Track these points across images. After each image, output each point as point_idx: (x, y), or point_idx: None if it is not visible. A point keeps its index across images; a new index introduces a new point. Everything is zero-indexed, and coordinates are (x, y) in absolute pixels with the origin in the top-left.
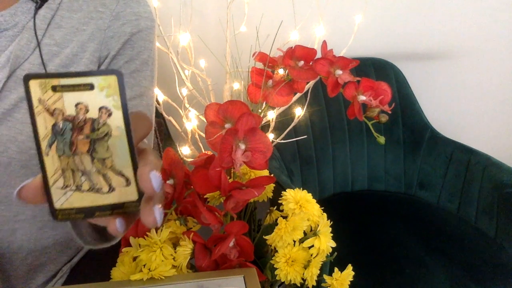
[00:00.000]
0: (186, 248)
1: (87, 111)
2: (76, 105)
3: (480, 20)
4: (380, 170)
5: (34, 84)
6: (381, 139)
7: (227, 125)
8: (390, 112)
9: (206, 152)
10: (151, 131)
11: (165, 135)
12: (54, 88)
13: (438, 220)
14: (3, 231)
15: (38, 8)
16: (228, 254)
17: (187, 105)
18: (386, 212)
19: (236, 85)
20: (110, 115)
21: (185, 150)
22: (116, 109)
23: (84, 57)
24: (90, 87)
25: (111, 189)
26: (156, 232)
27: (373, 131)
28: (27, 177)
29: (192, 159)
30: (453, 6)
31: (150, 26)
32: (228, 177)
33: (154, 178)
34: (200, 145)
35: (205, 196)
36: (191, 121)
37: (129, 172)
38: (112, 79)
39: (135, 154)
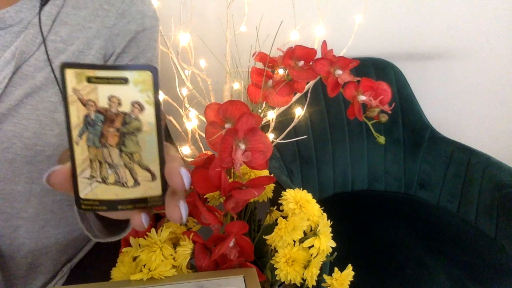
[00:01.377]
0: (186, 248)
1: (119, 104)
2: (110, 98)
3: (480, 20)
4: (380, 170)
5: (70, 73)
6: (381, 139)
7: (227, 125)
8: (390, 112)
9: (206, 152)
10: (165, 123)
11: (165, 135)
12: (89, 79)
13: (438, 220)
14: (5, 228)
15: (43, 4)
16: (228, 254)
17: (187, 105)
18: (386, 212)
19: (236, 85)
20: (142, 110)
21: (185, 150)
22: (148, 104)
23: (90, 54)
24: (125, 81)
25: (136, 183)
26: (156, 232)
27: (373, 131)
28: (31, 174)
29: (192, 159)
30: (453, 6)
31: (154, 25)
32: (228, 177)
33: (185, 174)
34: (200, 145)
35: (205, 196)
36: (191, 121)
37: (155, 167)
38: (147, 75)
39: (163, 150)
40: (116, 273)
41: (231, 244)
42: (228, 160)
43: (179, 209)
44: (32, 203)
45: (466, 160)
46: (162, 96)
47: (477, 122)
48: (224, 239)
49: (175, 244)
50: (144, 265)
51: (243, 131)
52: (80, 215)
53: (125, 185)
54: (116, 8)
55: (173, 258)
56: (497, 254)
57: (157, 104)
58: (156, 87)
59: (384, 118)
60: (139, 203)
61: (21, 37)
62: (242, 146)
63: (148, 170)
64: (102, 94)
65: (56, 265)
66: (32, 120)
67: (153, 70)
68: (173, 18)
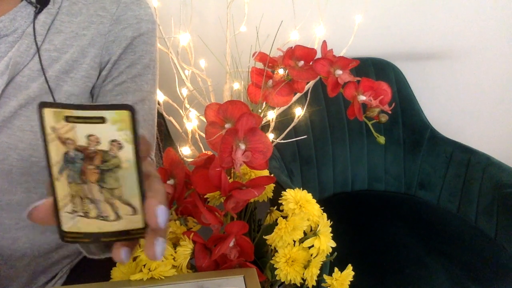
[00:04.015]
0: (186, 248)
1: (98, 143)
2: (88, 136)
3: (480, 20)
4: (380, 170)
5: (48, 112)
6: (381, 139)
7: (227, 125)
8: (390, 112)
9: (206, 152)
10: (150, 154)
11: (165, 135)
12: (67, 119)
13: (438, 220)
14: (5, 239)
15: (37, 13)
16: (228, 254)
17: (187, 105)
18: (386, 212)
19: (236, 85)
20: (121, 148)
21: (185, 150)
22: (127, 143)
23: (84, 62)
24: (103, 120)
25: (118, 217)
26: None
27: (373, 131)
28: (28, 184)
29: (192, 159)
30: (453, 6)
31: (151, 28)
32: (228, 177)
33: (160, 213)
34: (200, 145)
35: (205, 196)
36: (192, 121)
37: (136, 202)
38: (125, 114)
39: (143, 185)
40: (116, 273)
41: (231, 244)
42: (228, 160)
43: (154, 247)
44: None
45: (466, 160)
46: (162, 97)
47: (477, 122)
48: (224, 239)
49: (175, 244)
50: (144, 265)
51: (243, 131)
52: None
53: (107, 219)
54: (111, 14)
55: (173, 258)
56: (497, 254)
57: (136, 142)
58: (135, 126)
59: (384, 118)
60: (122, 236)
61: (15, 47)
62: (242, 146)
63: (129, 205)
64: (81, 133)
65: (58, 266)
66: (27, 131)
67: (131, 109)
68: (173, 18)
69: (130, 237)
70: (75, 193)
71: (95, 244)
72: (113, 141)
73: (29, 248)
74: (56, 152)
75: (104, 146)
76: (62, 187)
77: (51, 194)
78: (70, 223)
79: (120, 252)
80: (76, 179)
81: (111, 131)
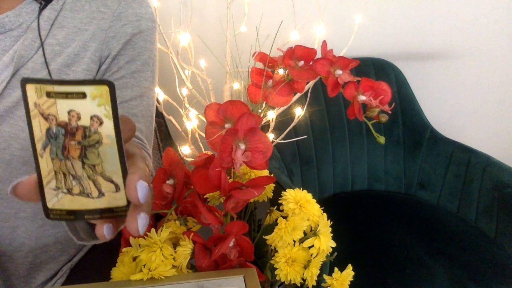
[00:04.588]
0: (186, 248)
1: (79, 118)
2: (69, 112)
3: (480, 20)
4: (380, 170)
5: (30, 88)
6: (381, 139)
7: (227, 125)
8: (390, 112)
9: (206, 152)
10: (134, 133)
11: (165, 134)
12: (48, 94)
13: (438, 220)
14: (4, 228)
15: (42, 9)
16: (228, 254)
17: (187, 105)
18: (386, 212)
19: (236, 85)
20: (101, 124)
21: (185, 150)
22: (107, 118)
23: (85, 56)
24: (83, 95)
25: (101, 194)
26: (156, 232)
27: (373, 131)
28: (28, 174)
29: (192, 159)
30: (453, 6)
31: (151, 27)
32: (228, 177)
33: (140, 188)
34: (200, 145)
35: (205, 196)
36: (191, 121)
37: (118, 179)
38: (104, 89)
39: (125, 162)
40: (116, 273)
41: (231, 244)
42: (228, 160)
43: (136, 222)
44: (31, 203)
45: (466, 160)
46: (162, 96)
47: (477, 122)
48: (224, 239)
49: (175, 244)
50: (144, 265)
51: (243, 131)
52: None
53: (90, 195)
54: (112, 10)
55: (173, 258)
56: (497, 254)
57: (115, 117)
58: (113, 101)
59: (384, 118)
60: (106, 213)
61: (20, 41)
62: (242, 146)
63: (112, 182)
64: (62, 109)
65: (56, 264)
66: None
67: (110, 84)
68: (173, 18)
69: (114, 215)
70: (58, 169)
71: (84, 229)
72: (93, 116)
73: (27, 239)
74: (39, 128)
75: (85, 121)
76: (46, 163)
77: (35, 170)
78: (54, 200)
79: (102, 228)
80: (59, 155)
81: (91, 107)
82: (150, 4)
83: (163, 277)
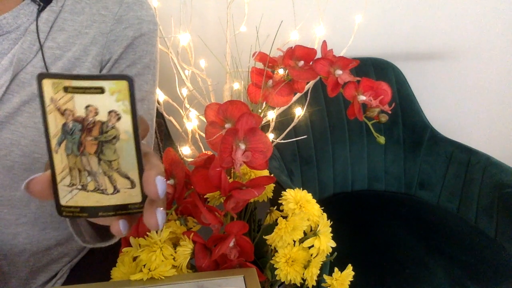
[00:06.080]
0: (186, 248)
1: (96, 113)
2: (86, 107)
3: (480, 20)
4: (380, 170)
5: (47, 83)
6: (381, 139)
7: (227, 125)
8: (390, 112)
9: (206, 152)
10: (148, 133)
11: (165, 135)
12: (66, 89)
13: (438, 220)
14: (5, 235)
15: (40, 10)
16: (228, 254)
17: (187, 105)
18: (386, 212)
19: (236, 85)
20: (119, 119)
21: (185, 150)
22: (125, 113)
23: (86, 60)
24: (101, 90)
25: (116, 190)
26: (157, 232)
27: (373, 131)
28: None
29: (192, 159)
30: (453, 6)
31: (152, 29)
32: (228, 177)
33: (159, 183)
34: (200, 145)
35: (205, 196)
36: (192, 121)
37: (134, 175)
38: (123, 84)
39: (142, 158)
40: (116, 273)
41: (231, 244)
42: (228, 160)
43: (155, 216)
44: (32, 208)
45: (466, 160)
46: (162, 96)
47: (477, 122)
48: (224, 239)
49: (175, 244)
50: (144, 265)
51: (243, 131)
52: (70, 220)
53: (105, 192)
54: (113, 13)
55: (173, 258)
56: (497, 254)
57: (134, 113)
58: (132, 96)
59: (384, 118)
60: (120, 210)
61: (19, 44)
62: (242, 146)
63: (127, 178)
64: (79, 104)
65: (57, 265)
66: (30, 128)
67: (129, 79)
68: (173, 18)
69: (128, 212)
70: (73, 165)
71: (89, 232)
72: (111, 111)
73: (28, 244)
74: (55, 123)
75: (102, 116)
76: (60, 160)
77: (49, 167)
78: (68, 197)
79: (118, 224)
80: (74, 151)
81: (110, 102)
82: (151, 6)
83: (163, 277)
